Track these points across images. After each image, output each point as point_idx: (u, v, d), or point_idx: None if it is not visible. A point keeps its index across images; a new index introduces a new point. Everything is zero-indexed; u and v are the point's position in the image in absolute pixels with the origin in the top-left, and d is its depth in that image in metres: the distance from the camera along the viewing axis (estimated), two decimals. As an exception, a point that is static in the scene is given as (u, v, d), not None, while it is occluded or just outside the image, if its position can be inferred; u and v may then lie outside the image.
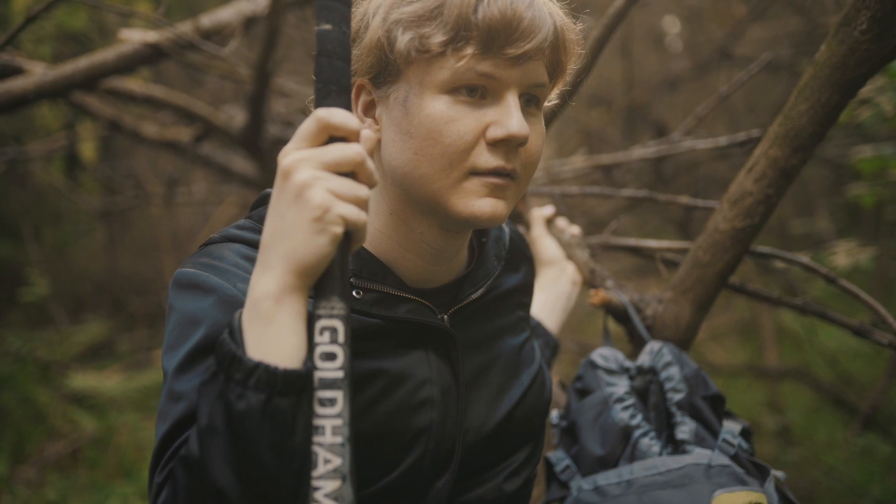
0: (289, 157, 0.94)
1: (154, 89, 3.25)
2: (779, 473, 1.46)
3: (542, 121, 1.21)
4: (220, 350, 0.94)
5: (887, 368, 3.98)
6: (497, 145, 1.12)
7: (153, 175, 5.74)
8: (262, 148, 3.29)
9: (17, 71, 2.54)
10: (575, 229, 1.97)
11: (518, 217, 2.05)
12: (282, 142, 3.35)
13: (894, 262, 5.22)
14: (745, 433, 1.51)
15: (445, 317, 1.26)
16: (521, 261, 1.50)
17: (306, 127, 0.95)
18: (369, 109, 1.19)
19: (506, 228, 1.47)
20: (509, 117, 1.11)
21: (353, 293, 1.18)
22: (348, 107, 0.98)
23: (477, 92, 1.11)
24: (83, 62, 2.48)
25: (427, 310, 1.23)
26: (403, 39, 1.09)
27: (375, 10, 1.13)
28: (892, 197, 2.97)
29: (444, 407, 1.22)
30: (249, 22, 2.83)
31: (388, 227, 1.21)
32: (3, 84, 2.33)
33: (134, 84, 3.17)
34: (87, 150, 4.99)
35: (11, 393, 4.59)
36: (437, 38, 1.08)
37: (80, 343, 5.34)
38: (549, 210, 1.99)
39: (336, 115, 0.94)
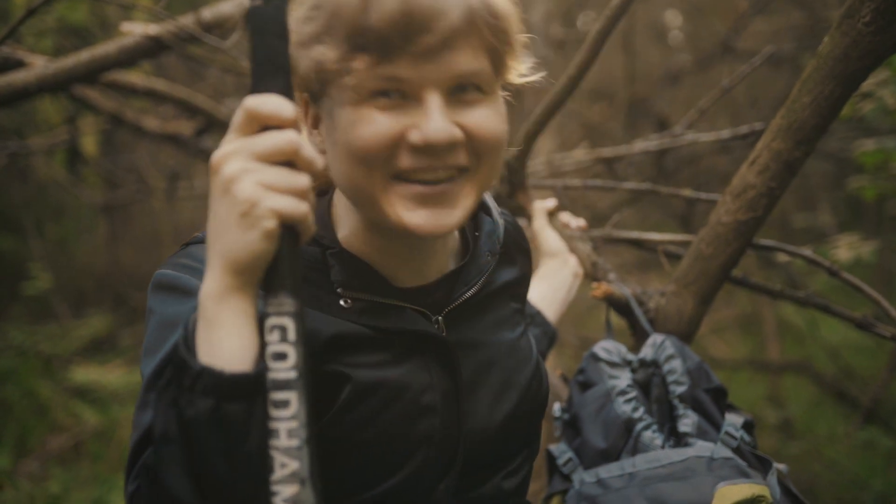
0: (219, 150, 0.89)
1: (156, 82, 3.24)
2: (781, 466, 1.46)
3: (495, 101, 1.10)
4: (174, 356, 0.91)
5: (889, 362, 3.99)
6: (422, 149, 1.04)
7: (155, 169, 5.74)
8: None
9: (18, 64, 2.54)
10: (581, 222, 1.97)
11: (520, 210, 2.05)
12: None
13: (896, 255, 5.22)
14: (748, 426, 1.51)
15: (440, 318, 1.23)
16: (518, 253, 1.45)
17: (236, 117, 0.89)
18: (315, 122, 1.13)
19: (500, 221, 1.39)
20: (428, 121, 1.02)
21: (341, 302, 1.14)
22: (287, 88, 0.91)
23: (393, 95, 1.03)
24: (85, 55, 2.48)
25: (420, 315, 1.21)
26: (304, 63, 1.04)
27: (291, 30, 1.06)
28: (893, 190, 2.97)
29: (446, 412, 1.20)
30: (251, 15, 2.82)
31: (361, 231, 1.18)
32: (4, 77, 2.33)
33: (135, 77, 3.16)
34: (89, 144, 5.00)
35: (14, 387, 4.61)
36: (331, 55, 1.01)
37: (83, 337, 5.35)
38: (551, 203, 1.99)
39: (265, 103, 0.88)
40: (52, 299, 5.48)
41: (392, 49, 0.99)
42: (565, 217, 1.97)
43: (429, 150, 1.03)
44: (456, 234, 1.32)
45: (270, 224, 0.86)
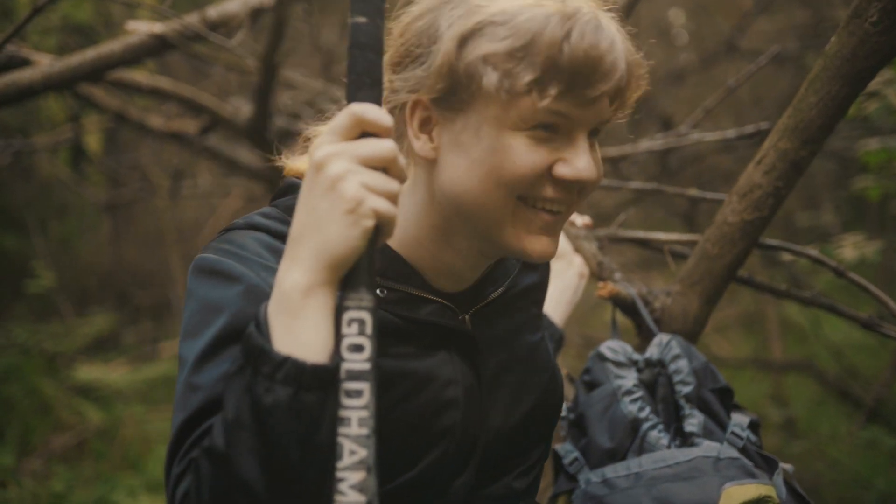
0: (322, 149, 0.94)
1: (160, 81, 3.25)
2: (787, 466, 1.46)
3: (598, 150, 1.20)
4: (246, 342, 0.94)
5: (892, 361, 3.98)
6: (567, 184, 1.11)
7: (158, 167, 5.75)
8: (268, 140, 3.29)
9: (23, 62, 2.54)
10: (586, 219, 1.97)
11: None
12: (288, 134, 3.35)
13: (899, 255, 5.21)
14: (754, 426, 1.51)
15: (467, 317, 1.26)
16: None
17: (340, 121, 0.95)
18: (425, 126, 1.16)
19: None
20: (578, 159, 1.11)
21: (377, 291, 1.17)
22: (379, 100, 0.98)
23: (550, 129, 1.10)
24: (90, 53, 2.48)
25: (449, 311, 1.23)
26: (491, 78, 1.06)
27: (448, 27, 1.09)
28: (897, 190, 2.97)
29: (467, 407, 1.22)
30: (256, 13, 2.83)
31: (426, 238, 1.21)
32: (9, 76, 2.33)
33: (140, 76, 3.17)
34: (93, 142, 4.99)
35: (18, 385, 4.61)
36: (525, 79, 1.05)
37: (86, 335, 5.35)
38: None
39: (370, 112, 0.94)
40: (56, 297, 5.48)
41: (574, 88, 1.06)
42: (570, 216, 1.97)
43: (573, 185, 1.12)
44: None
45: (370, 223, 0.92)
